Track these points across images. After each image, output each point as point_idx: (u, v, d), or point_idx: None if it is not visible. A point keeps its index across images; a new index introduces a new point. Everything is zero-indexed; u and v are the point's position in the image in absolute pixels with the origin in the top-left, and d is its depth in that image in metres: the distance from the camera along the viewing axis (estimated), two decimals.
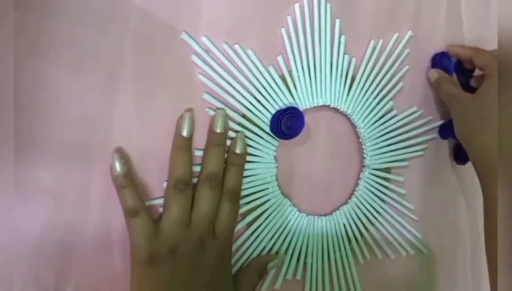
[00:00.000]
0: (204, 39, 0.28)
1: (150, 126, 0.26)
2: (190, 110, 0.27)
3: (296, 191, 0.31)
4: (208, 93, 0.28)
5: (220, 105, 0.28)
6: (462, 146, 0.36)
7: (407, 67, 0.35)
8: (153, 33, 0.26)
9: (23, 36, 0.23)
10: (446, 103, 0.34)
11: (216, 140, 0.27)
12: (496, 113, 0.28)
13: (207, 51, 0.28)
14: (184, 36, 0.27)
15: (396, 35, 0.34)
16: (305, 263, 0.31)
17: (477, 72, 0.36)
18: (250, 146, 0.29)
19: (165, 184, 0.26)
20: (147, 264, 0.24)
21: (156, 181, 0.26)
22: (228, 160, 0.27)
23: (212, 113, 0.28)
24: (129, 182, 0.25)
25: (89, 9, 0.25)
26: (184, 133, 0.26)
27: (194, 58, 0.27)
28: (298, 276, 0.30)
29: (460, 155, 0.37)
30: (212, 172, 0.26)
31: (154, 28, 0.26)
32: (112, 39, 0.25)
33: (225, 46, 0.28)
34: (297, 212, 0.31)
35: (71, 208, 0.24)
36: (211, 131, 0.27)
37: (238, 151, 0.27)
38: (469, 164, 0.37)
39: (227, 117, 0.27)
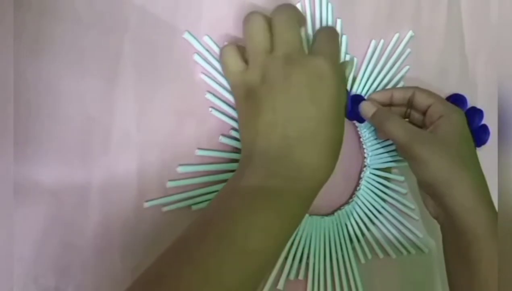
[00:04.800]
0: (206, 39, 0.27)
1: (151, 127, 0.26)
2: None
3: None
4: (210, 93, 0.28)
5: (222, 105, 0.28)
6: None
7: (407, 67, 0.35)
8: (153, 33, 0.26)
9: (23, 36, 0.23)
10: (398, 145, 0.30)
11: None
12: (464, 152, 0.27)
13: (209, 50, 0.27)
14: (186, 35, 0.27)
15: (397, 35, 0.35)
16: (307, 264, 0.31)
17: None
18: None
19: (167, 184, 0.26)
20: (246, 99, 0.24)
21: (156, 181, 0.26)
22: None
23: (215, 113, 0.28)
24: None
25: (89, 9, 0.25)
26: None
27: (196, 57, 0.27)
28: (301, 276, 0.30)
29: None
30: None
31: (155, 28, 0.26)
32: (112, 39, 0.25)
33: None
34: None
35: (71, 208, 0.24)
36: None
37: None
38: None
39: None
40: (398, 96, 0.31)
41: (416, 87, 0.31)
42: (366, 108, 0.31)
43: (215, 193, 0.27)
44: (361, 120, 0.32)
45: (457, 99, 0.37)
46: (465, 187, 0.27)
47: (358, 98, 0.32)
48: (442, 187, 0.27)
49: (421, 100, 0.30)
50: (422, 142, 0.28)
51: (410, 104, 0.31)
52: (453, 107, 0.30)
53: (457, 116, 0.29)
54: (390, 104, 0.32)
